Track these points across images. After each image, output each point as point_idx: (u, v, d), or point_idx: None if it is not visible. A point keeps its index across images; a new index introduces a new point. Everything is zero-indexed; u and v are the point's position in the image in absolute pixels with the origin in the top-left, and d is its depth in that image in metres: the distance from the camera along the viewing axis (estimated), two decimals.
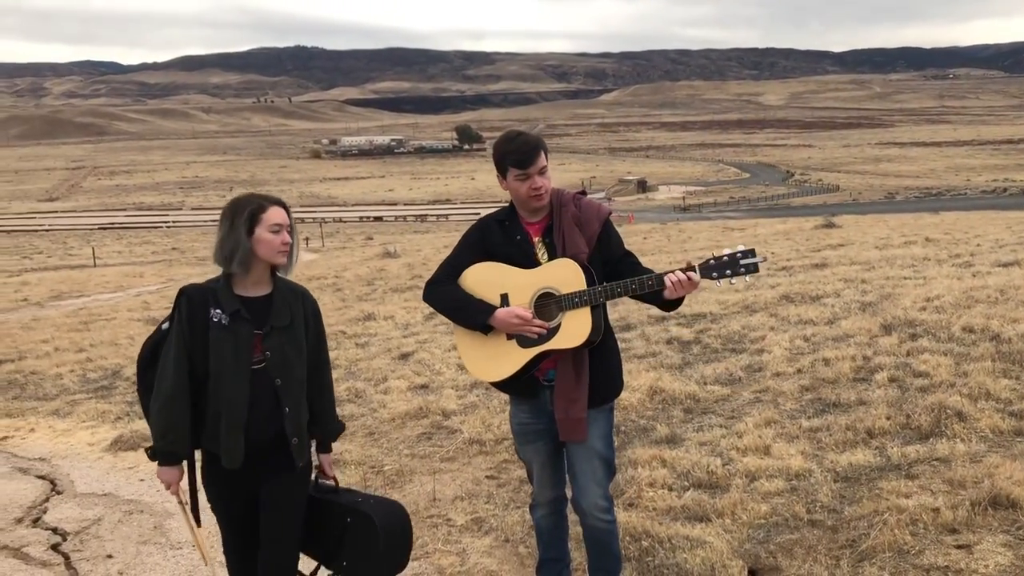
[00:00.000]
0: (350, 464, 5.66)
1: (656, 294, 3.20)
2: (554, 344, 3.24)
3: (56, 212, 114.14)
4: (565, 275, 3.23)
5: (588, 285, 3.20)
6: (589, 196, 3.50)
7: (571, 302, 3.21)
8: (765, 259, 3.25)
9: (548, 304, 3.26)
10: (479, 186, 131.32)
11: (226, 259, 3.10)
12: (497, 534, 4.46)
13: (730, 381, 6.81)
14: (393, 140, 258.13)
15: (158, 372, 3.09)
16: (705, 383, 6.71)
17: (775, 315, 9.07)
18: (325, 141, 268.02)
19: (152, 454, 3.15)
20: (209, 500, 3.22)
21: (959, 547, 3.78)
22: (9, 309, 18.67)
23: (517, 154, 3.27)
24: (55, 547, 4.80)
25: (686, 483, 4.80)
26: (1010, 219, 28.08)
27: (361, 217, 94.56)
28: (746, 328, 8.53)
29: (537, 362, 3.29)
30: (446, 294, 3.42)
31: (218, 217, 3.18)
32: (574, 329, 3.21)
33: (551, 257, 3.32)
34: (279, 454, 3.16)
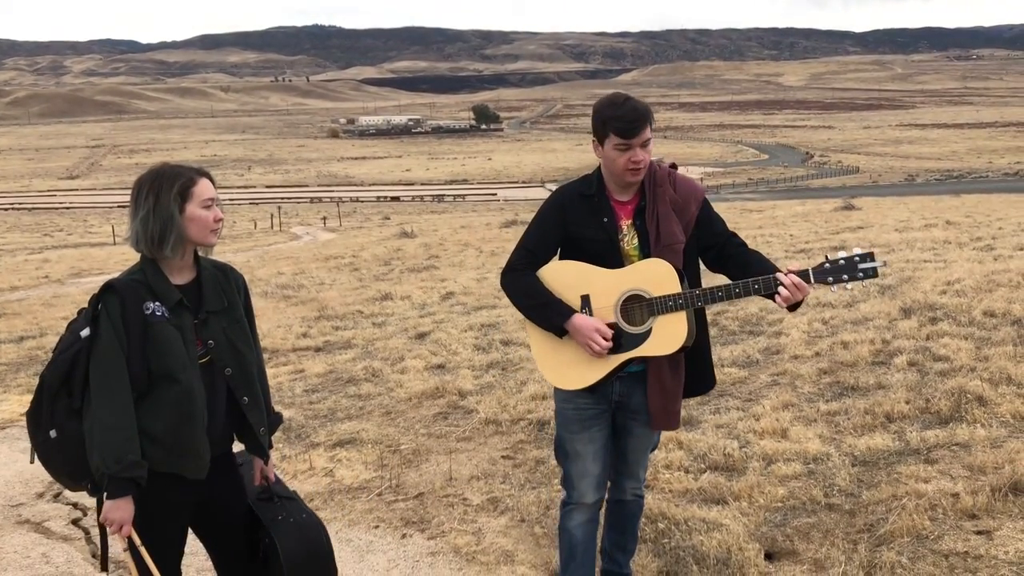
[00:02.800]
0: (367, 443, 5.69)
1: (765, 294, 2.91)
2: (644, 351, 2.98)
3: (76, 190, 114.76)
4: (656, 275, 2.94)
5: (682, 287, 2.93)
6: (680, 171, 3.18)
7: (664, 306, 2.92)
8: (885, 263, 2.97)
9: (636, 307, 2.97)
10: (496, 166, 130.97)
11: (156, 242, 2.69)
12: (513, 514, 4.47)
13: (747, 363, 6.79)
14: (410, 120, 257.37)
15: (93, 388, 2.62)
16: (722, 365, 6.68)
17: None
18: (343, 120, 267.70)
19: (100, 488, 2.66)
20: (152, 535, 2.74)
21: (979, 533, 3.76)
22: (30, 286, 18.81)
23: (622, 121, 2.92)
24: (75, 522, 4.84)
25: (702, 465, 4.79)
26: None
27: (378, 197, 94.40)
28: (764, 311, 8.48)
29: (622, 368, 3.05)
30: (524, 287, 3.08)
31: (133, 193, 2.74)
32: (668, 335, 2.94)
33: (640, 242, 3.03)
34: (228, 456, 2.94)
